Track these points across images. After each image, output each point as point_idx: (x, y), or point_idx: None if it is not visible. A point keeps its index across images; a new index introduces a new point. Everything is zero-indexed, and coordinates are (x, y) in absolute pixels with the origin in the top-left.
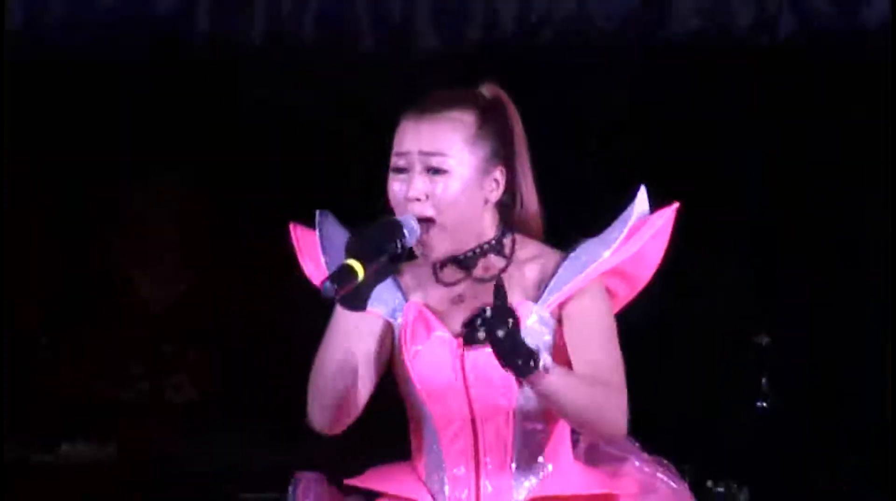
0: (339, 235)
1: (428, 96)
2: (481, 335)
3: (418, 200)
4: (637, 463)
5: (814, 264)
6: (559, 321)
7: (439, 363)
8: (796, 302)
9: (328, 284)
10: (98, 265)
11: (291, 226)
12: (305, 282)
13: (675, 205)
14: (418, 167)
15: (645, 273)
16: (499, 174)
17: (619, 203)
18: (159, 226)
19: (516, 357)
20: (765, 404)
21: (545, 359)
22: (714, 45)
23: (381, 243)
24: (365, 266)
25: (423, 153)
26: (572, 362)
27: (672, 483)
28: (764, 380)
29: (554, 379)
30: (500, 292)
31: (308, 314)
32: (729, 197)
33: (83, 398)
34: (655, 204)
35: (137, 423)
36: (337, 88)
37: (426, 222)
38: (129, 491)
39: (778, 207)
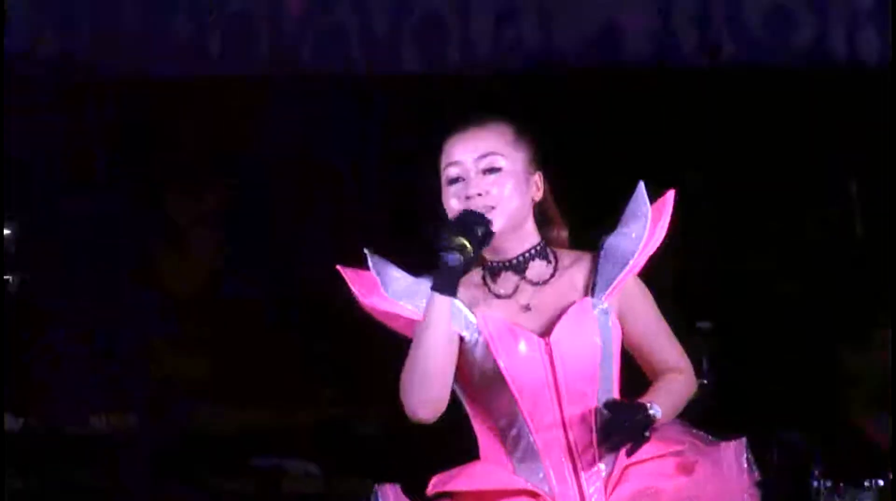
0: (389, 267)
1: (462, 120)
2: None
3: (479, 195)
4: (679, 427)
5: (753, 259)
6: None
7: (531, 364)
8: (736, 292)
9: (453, 256)
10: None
11: (341, 269)
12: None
13: (673, 192)
14: (473, 172)
15: (648, 256)
16: (538, 178)
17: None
18: (181, 225)
19: (645, 427)
20: (705, 382)
21: (654, 409)
22: (663, 67)
23: (475, 225)
24: (471, 243)
25: (477, 158)
26: (647, 357)
27: (710, 443)
28: (705, 361)
29: (664, 412)
30: (609, 406)
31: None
32: (679, 198)
33: (110, 373)
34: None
35: (159, 396)
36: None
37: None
38: (152, 456)
39: (721, 209)
